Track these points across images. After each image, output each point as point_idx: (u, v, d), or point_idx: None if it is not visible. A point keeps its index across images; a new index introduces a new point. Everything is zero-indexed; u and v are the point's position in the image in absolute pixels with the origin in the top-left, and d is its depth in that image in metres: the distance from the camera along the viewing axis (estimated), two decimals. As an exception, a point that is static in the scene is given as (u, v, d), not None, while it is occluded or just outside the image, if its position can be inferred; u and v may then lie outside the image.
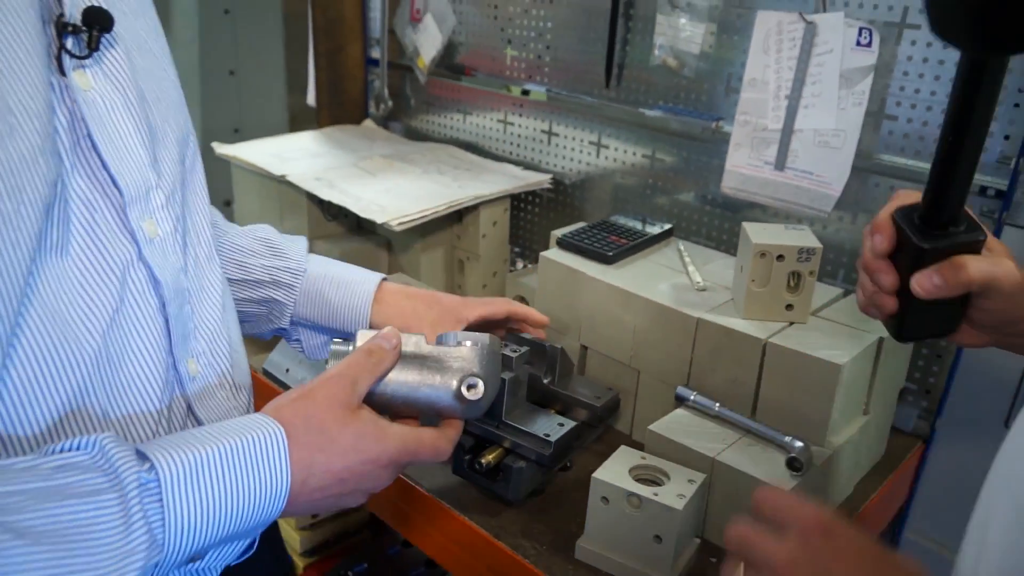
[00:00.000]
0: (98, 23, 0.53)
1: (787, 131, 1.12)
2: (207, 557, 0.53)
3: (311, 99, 1.73)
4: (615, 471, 0.82)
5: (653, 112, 1.29)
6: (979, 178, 0.99)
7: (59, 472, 0.45)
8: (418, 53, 1.60)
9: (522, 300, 1.25)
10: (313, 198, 1.35)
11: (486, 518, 0.88)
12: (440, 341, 0.69)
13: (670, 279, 1.05)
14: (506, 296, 1.28)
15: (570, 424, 0.91)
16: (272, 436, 0.53)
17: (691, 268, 1.07)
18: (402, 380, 0.66)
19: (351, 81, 1.73)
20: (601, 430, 1.04)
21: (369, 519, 1.48)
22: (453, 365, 0.67)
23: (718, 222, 1.26)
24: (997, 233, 0.98)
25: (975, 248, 0.66)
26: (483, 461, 0.86)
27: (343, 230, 1.45)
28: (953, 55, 0.98)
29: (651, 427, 0.90)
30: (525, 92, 1.47)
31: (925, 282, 0.65)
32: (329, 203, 1.31)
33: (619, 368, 1.05)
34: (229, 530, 0.50)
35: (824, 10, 1.06)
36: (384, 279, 0.91)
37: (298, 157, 1.47)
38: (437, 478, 0.94)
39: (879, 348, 0.92)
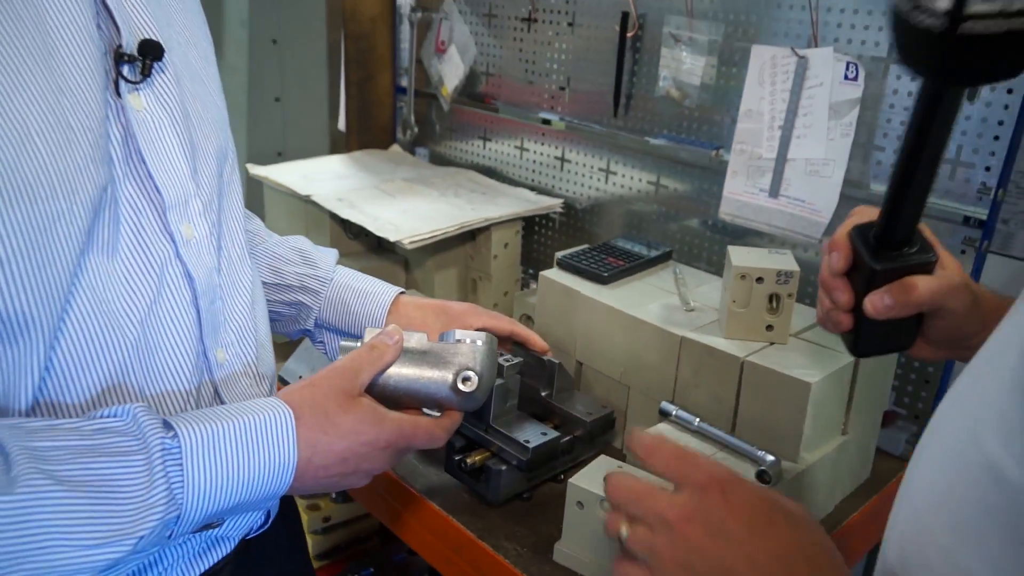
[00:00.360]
0: (151, 53, 0.61)
1: (781, 160, 1.16)
2: (224, 525, 0.60)
3: (341, 124, 1.83)
4: (591, 477, 0.87)
5: (658, 140, 1.34)
6: (961, 208, 1.02)
7: (97, 434, 0.53)
8: (442, 82, 1.69)
9: (527, 319, 1.30)
10: (335, 217, 1.43)
11: (472, 519, 0.94)
12: (442, 339, 0.76)
13: (661, 300, 1.10)
14: (513, 315, 1.34)
15: (552, 435, 0.96)
16: (282, 416, 0.61)
17: (683, 290, 1.12)
18: (403, 373, 0.72)
19: (380, 108, 1.82)
20: (599, 446, 1.07)
21: (378, 528, 1.54)
22: (451, 360, 0.74)
23: (718, 247, 1.30)
24: (979, 261, 1.00)
25: (927, 269, 0.69)
26: (469, 461, 0.92)
27: (364, 248, 1.53)
28: (936, 89, 1.01)
29: (632, 438, 0.94)
30: (546, 121, 1.53)
31: (877, 302, 0.68)
32: (350, 222, 1.39)
33: (611, 384, 1.09)
34: (241, 497, 0.57)
35: (815, 45, 1.10)
36: (401, 292, 0.98)
37: (325, 179, 1.56)
38: (431, 479, 1.00)
39: (855, 369, 0.95)
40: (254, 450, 0.59)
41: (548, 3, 1.47)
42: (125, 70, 0.61)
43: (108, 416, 0.55)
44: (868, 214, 0.72)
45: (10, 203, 0.51)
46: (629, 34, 1.32)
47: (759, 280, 0.96)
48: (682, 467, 0.54)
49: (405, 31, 1.75)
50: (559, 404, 1.04)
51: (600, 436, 1.04)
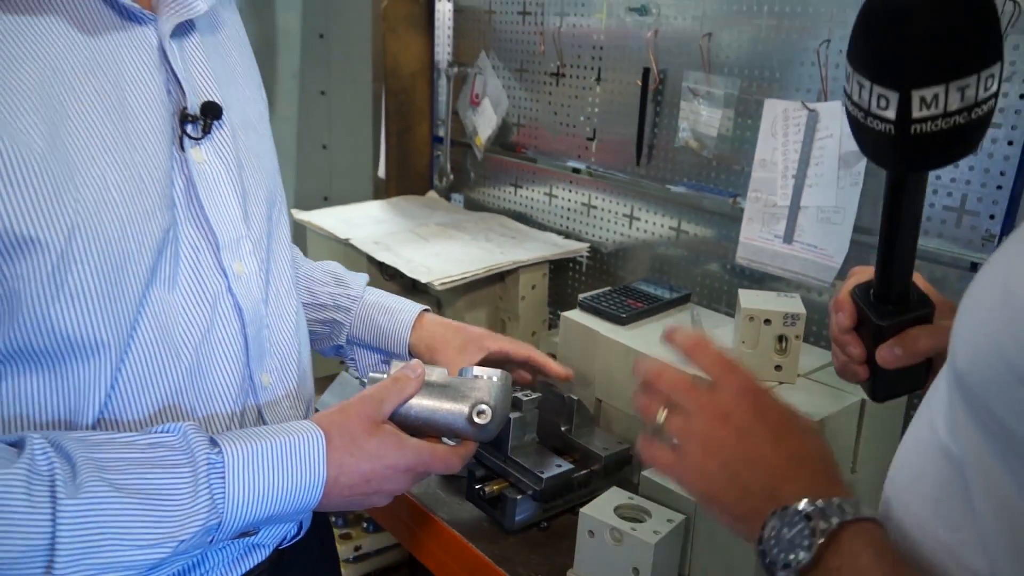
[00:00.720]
0: (211, 113, 0.70)
1: (794, 208, 1.21)
2: (260, 533, 0.66)
3: (382, 172, 1.93)
4: (602, 508, 0.91)
5: (678, 188, 1.40)
6: (968, 254, 1.05)
7: (151, 448, 0.61)
8: (476, 132, 1.78)
9: (552, 356, 1.36)
10: (372, 259, 1.51)
11: (490, 545, 0.99)
12: (461, 374, 0.82)
13: (677, 340, 1.14)
14: (538, 353, 1.40)
15: (567, 467, 1.01)
16: (314, 438, 0.68)
17: (698, 331, 1.16)
18: (424, 404, 0.78)
19: (418, 156, 1.92)
20: (615, 481, 1.11)
21: (407, 558, 1.59)
22: (468, 394, 0.80)
23: (736, 290, 1.34)
24: (986, 306, 1.03)
25: (927, 319, 0.73)
26: (487, 490, 0.97)
27: (399, 288, 1.60)
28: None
29: (644, 472, 0.99)
30: (576, 170, 1.61)
31: (888, 355, 0.73)
32: (386, 264, 1.47)
33: (629, 420, 1.14)
34: (276, 509, 0.64)
35: (825, 99, 1.16)
36: (425, 310, 1.05)
37: (364, 223, 1.65)
38: (453, 507, 1.05)
39: (862, 409, 0.99)
40: (288, 467, 0.65)
41: (575, 59, 1.55)
42: (189, 128, 0.69)
43: (161, 432, 0.63)
44: (866, 273, 0.77)
45: (90, 245, 0.59)
46: (651, 88, 1.40)
47: (767, 322, 1.00)
48: (723, 370, 0.61)
49: (442, 85, 1.85)
50: (577, 439, 1.09)
51: (616, 471, 1.09)
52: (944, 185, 1.07)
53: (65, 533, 0.53)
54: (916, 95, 0.55)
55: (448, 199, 1.93)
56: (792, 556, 0.49)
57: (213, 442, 0.64)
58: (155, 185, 0.65)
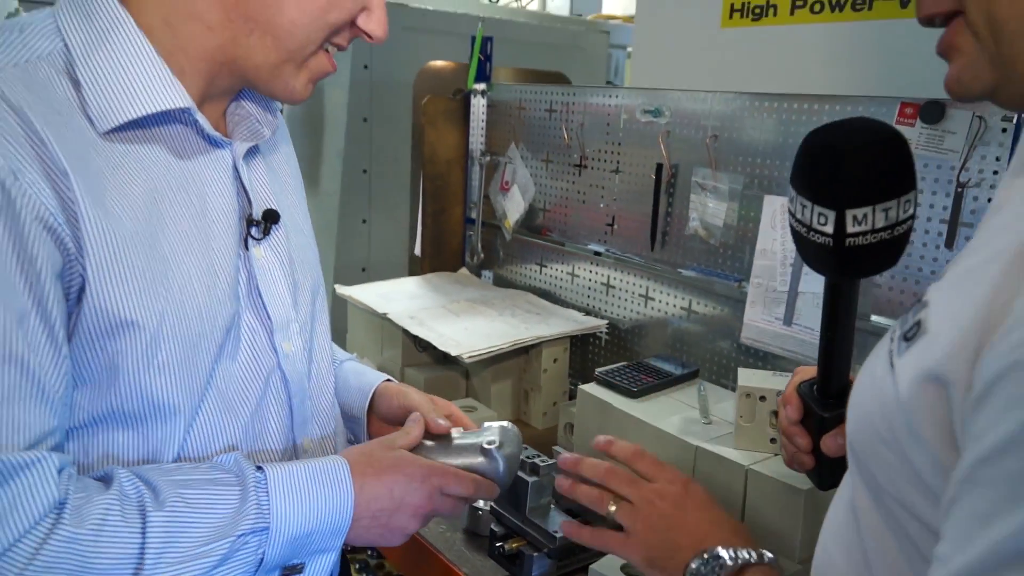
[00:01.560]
0: (271, 218, 0.85)
1: (792, 293, 1.32)
2: (306, 570, 0.77)
3: (418, 250, 2.09)
4: (610, 564, 1.01)
5: (689, 272, 1.53)
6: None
7: (210, 471, 0.74)
8: (506, 215, 1.93)
9: (569, 426, 1.47)
10: (407, 332, 1.65)
11: (509, 599, 1.08)
12: (478, 432, 0.94)
13: (684, 413, 1.25)
14: (558, 423, 1.51)
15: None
16: (339, 462, 0.80)
17: (703, 405, 1.27)
18: (441, 451, 0.90)
19: (451, 236, 2.08)
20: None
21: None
22: (480, 435, 0.91)
23: (743, 367, 1.45)
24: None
25: None
26: (506, 547, 1.07)
27: (431, 360, 1.73)
28: (923, 227, 1.18)
29: (650, 534, 1.08)
30: (597, 253, 1.75)
31: (831, 444, 0.83)
32: (419, 337, 1.60)
33: (638, 487, 1.24)
34: (313, 522, 0.75)
35: (818, 196, 1.28)
36: (386, 380, 1.09)
37: (400, 298, 1.79)
38: (476, 563, 1.15)
39: (850, 480, 1.08)
40: (320, 484, 0.77)
41: (596, 152, 1.71)
42: (252, 231, 0.84)
43: (219, 461, 0.77)
44: (809, 372, 0.88)
45: (175, 327, 0.73)
46: (664, 181, 1.54)
47: (762, 399, 1.11)
48: (658, 468, 0.86)
49: (475, 172, 2.02)
50: (590, 502, 1.19)
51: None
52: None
53: (153, 539, 0.66)
54: (850, 214, 0.67)
55: (479, 276, 2.07)
56: None
57: (259, 468, 0.76)
58: (226, 278, 0.79)
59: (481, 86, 1.99)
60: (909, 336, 0.51)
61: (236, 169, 0.84)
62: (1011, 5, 0.50)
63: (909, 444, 0.49)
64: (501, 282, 2.02)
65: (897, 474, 0.51)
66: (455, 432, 0.93)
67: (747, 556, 0.75)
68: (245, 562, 0.72)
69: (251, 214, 0.84)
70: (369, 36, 0.82)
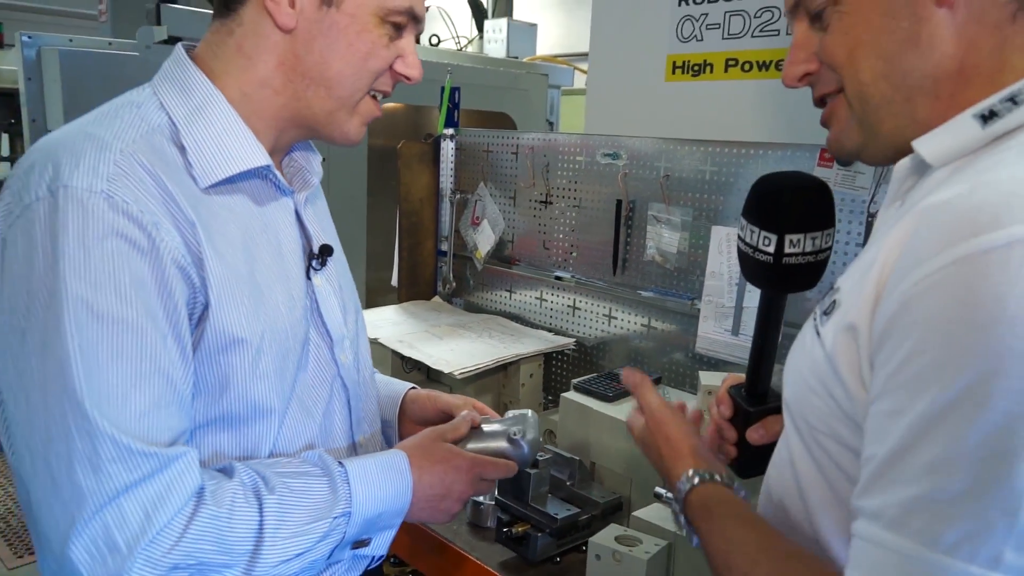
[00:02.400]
0: (326, 252, 1.02)
1: (738, 308, 1.56)
2: (371, 543, 0.94)
3: (395, 281, 2.26)
4: (605, 536, 1.21)
5: (647, 293, 1.75)
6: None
7: (302, 464, 0.90)
8: (477, 247, 2.13)
9: (551, 433, 1.66)
10: (396, 354, 1.82)
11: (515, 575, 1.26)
12: (505, 421, 1.12)
13: (653, 412, 1.46)
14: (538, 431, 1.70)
15: (575, 511, 1.30)
16: (400, 455, 0.97)
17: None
18: (476, 446, 1.08)
19: (424, 267, 2.26)
20: (610, 523, 1.40)
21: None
22: (506, 425, 1.09)
23: (697, 374, 1.68)
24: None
25: (780, 411, 1.00)
26: (514, 530, 1.26)
27: (420, 378, 1.90)
28: (842, 249, 1.43)
29: (634, 513, 1.28)
30: (559, 278, 1.96)
31: (755, 435, 1.02)
32: (407, 357, 1.78)
33: (618, 477, 1.44)
34: (383, 505, 0.92)
35: (757, 226, 1.53)
36: (411, 387, 1.29)
37: (384, 325, 1.96)
38: (483, 548, 1.33)
39: (795, 459, 1.30)
40: (387, 474, 0.94)
41: (560, 190, 1.93)
42: (313, 263, 1.01)
43: (308, 456, 0.93)
44: (737, 380, 1.08)
45: (272, 342, 0.90)
46: (623, 215, 1.77)
47: (721, 394, 1.33)
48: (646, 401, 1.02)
49: (446, 208, 2.22)
50: (580, 491, 1.38)
51: (611, 515, 1.38)
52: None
53: (269, 518, 0.82)
54: (788, 238, 0.90)
55: (451, 303, 2.25)
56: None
57: (339, 463, 0.93)
58: (299, 303, 0.97)
59: (450, 131, 2.19)
60: (828, 311, 0.73)
61: (297, 212, 1.01)
62: (874, 85, 0.72)
63: (832, 385, 0.69)
64: (472, 308, 2.21)
65: (824, 412, 0.71)
66: (483, 422, 1.11)
67: (714, 477, 0.89)
68: (335, 539, 0.89)
69: (312, 249, 1.02)
70: (407, 78, 1.00)
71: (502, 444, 1.08)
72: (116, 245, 0.76)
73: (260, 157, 0.93)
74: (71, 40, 3.04)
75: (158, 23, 3.20)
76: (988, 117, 0.66)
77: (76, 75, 2.98)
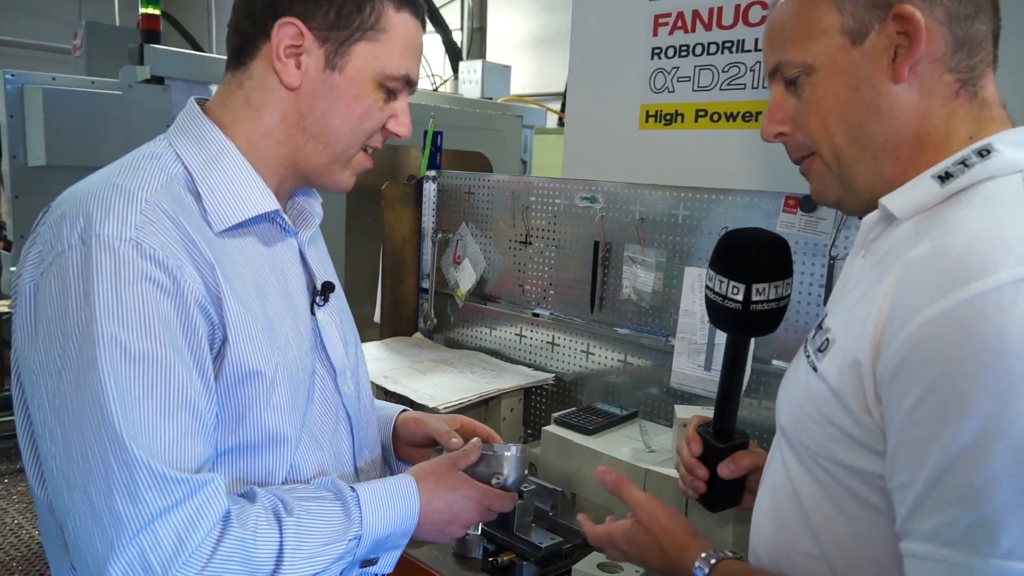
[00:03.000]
0: (328, 288, 1.08)
1: (710, 344, 1.64)
2: (379, 562, 0.99)
3: (377, 317, 2.31)
4: (589, 563, 1.27)
5: (623, 330, 1.83)
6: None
7: (317, 490, 0.95)
8: (458, 285, 2.19)
9: (532, 466, 1.72)
10: (382, 389, 1.87)
11: (503, 603, 1.31)
12: (495, 450, 1.17)
13: (631, 445, 1.53)
14: (520, 462, 1.76)
15: (558, 540, 1.36)
16: (409, 479, 1.02)
17: (645, 438, 1.56)
18: (474, 471, 1.13)
19: (406, 304, 2.32)
20: (592, 551, 1.46)
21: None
22: (493, 466, 1.15)
23: (672, 407, 1.75)
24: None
25: (746, 446, 1.12)
26: (500, 560, 1.31)
27: (400, 414, 1.95)
28: (807, 291, 1.53)
29: (614, 541, 1.34)
30: (537, 315, 2.03)
31: (725, 470, 1.10)
32: (394, 393, 1.83)
33: (598, 507, 1.50)
34: (391, 528, 0.97)
35: (727, 267, 1.62)
36: (402, 410, 1.33)
37: (368, 360, 2.00)
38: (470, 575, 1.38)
39: (766, 488, 1.38)
40: (395, 498, 0.99)
41: (539, 231, 2.01)
42: (316, 299, 1.08)
43: (322, 483, 0.98)
44: (704, 420, 1.16)
45: (285, 374, 0.96)
46: (600, 256, 1.85)
47: (696, 427, 1.40)
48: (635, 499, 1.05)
49: (428, 247, 2.29)
50: (562, 521, 1.44)
51: (590, 545, 1.44)
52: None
53: (288, 539, 0.87)
54: (755, 287, 0.98)
55: (431, 339, 2.31)
56: None
57: (351, 487, 0.98)
58: (306, 337, 1.03)
59: (432, 173, 2.27)
60: (822, 349, 0.81)
61: (301, 252, 1.07)
62: (847, 147, 0.82)
63: (834, 413, 0.77)
64: (452, 344, 2.27)
65: (821, 437, 0.79)
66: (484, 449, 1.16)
67: (724, 554, 0.94)
68: (348, 559, 0.94)
69: (315, 286, 1.08)
70: (398, 136, 1.07)
71: (487, 479, 1.14)
72: (145, 288, 0.82)
73: (270, 202, 1.00)
74: (54, 79, 3.09)
75: (141, 63, 3.26)
76: (945, 177, 0.76)
77: (58, 112, 3.03)
